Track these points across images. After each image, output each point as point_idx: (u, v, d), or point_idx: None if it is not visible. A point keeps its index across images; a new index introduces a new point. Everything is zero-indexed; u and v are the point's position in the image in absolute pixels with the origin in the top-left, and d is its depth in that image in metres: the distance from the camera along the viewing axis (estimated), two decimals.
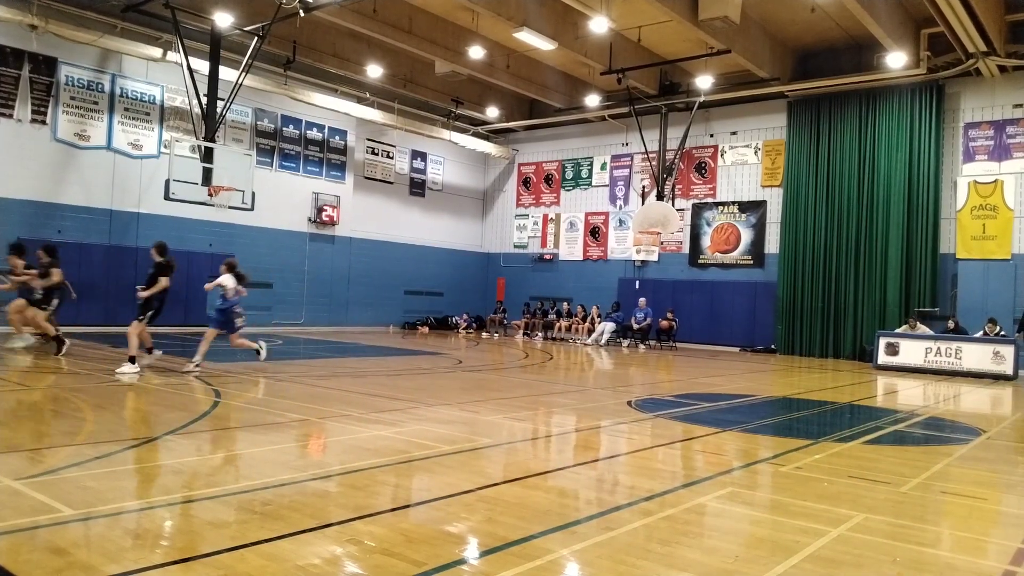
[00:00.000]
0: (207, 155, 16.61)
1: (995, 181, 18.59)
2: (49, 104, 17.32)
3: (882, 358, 17.25)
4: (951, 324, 17.60)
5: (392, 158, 25.37)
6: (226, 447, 6.39)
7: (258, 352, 11.84)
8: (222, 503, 4.59)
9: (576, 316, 24.32)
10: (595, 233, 25.75)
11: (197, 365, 10.77)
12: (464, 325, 26.17)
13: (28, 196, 17.03)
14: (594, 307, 23.82)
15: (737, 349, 22.11)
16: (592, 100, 23.14)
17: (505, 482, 5.38)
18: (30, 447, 5.83)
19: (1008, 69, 18.31)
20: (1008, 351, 15.89)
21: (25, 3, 16.19)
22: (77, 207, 17.83)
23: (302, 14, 16.09)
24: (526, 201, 27.68)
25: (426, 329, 25.23)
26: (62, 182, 17.58)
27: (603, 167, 25.81)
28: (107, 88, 18.35)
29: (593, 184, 26.01)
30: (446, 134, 25.13)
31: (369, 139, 24.51)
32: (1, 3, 15.76)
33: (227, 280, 11.18)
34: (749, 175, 22.79)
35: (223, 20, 16.98)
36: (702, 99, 21.80)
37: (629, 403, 9.93)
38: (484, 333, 25.65)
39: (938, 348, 16.63)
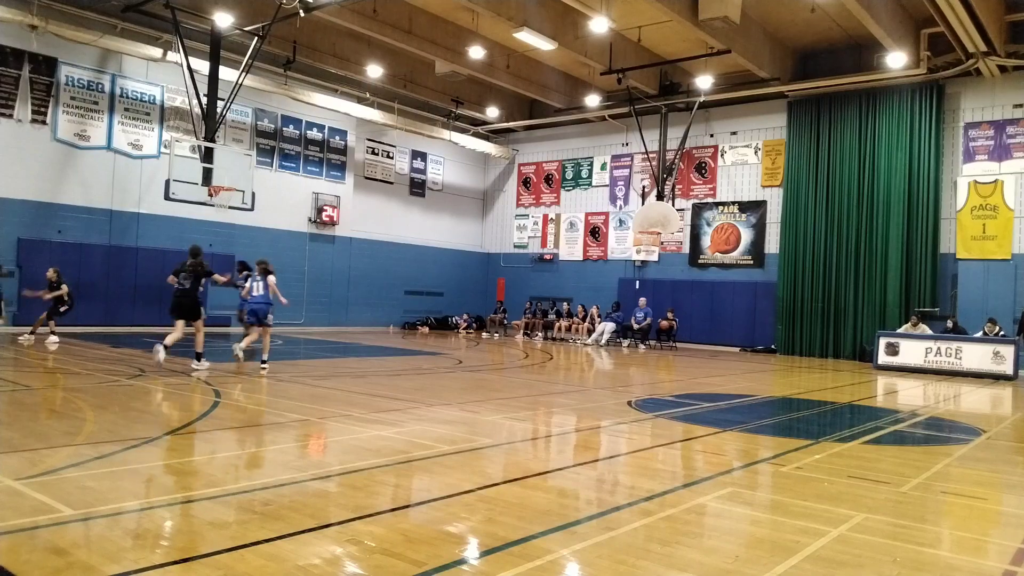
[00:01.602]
0: (207, 155, 16.60)
1: (995, 181, 18.58)
2: (49, 104, 17.32)
3: (882, 358, 17.24)
4: (950, 324, 17.60)
5: (392, 158, 25.37)
6: (226, 447, 6.38)
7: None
8: (222, 503, 4.59)
9: (576, 316, 24.31)
10: (595, 233, 25.74)
11: (264, 363, 11.57)
12: (464, 325, 26.17)
13: (28, 196, 17.02)
14: (594, 307, 23.81)
15: (737, 349, 22.11)
16: (592, 100, 23.13)
17: (505, 482, 5.38)
18: (30, 447, 5.83)
19: (1008, 69, 18.30)
20: (1008, 351, 15.88)
21: (25, 3, 16.18)
22: (77, 207, 17.83)
23: (302, 14, 16.09)
24: (526, 201, 27.67)
25: (426, 329, 25.23)
26: (62, 182, 17.58)
27: (603, 167, 25.81)
28: (107, 88, 18.34)
29: (593, 184, 26.00)
30: (446, 134, 25.12)
31: (369, 139, 24.51)
32: (1, 3, 15.76)
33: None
34: (749, 175, 22.79)
35: (223, 20, 16.98)
36: (702, 99, 21.79)
37: (629, 403, 9.93)
38: (484, 333, 25.64)
39: (938, 348, 16.63)
